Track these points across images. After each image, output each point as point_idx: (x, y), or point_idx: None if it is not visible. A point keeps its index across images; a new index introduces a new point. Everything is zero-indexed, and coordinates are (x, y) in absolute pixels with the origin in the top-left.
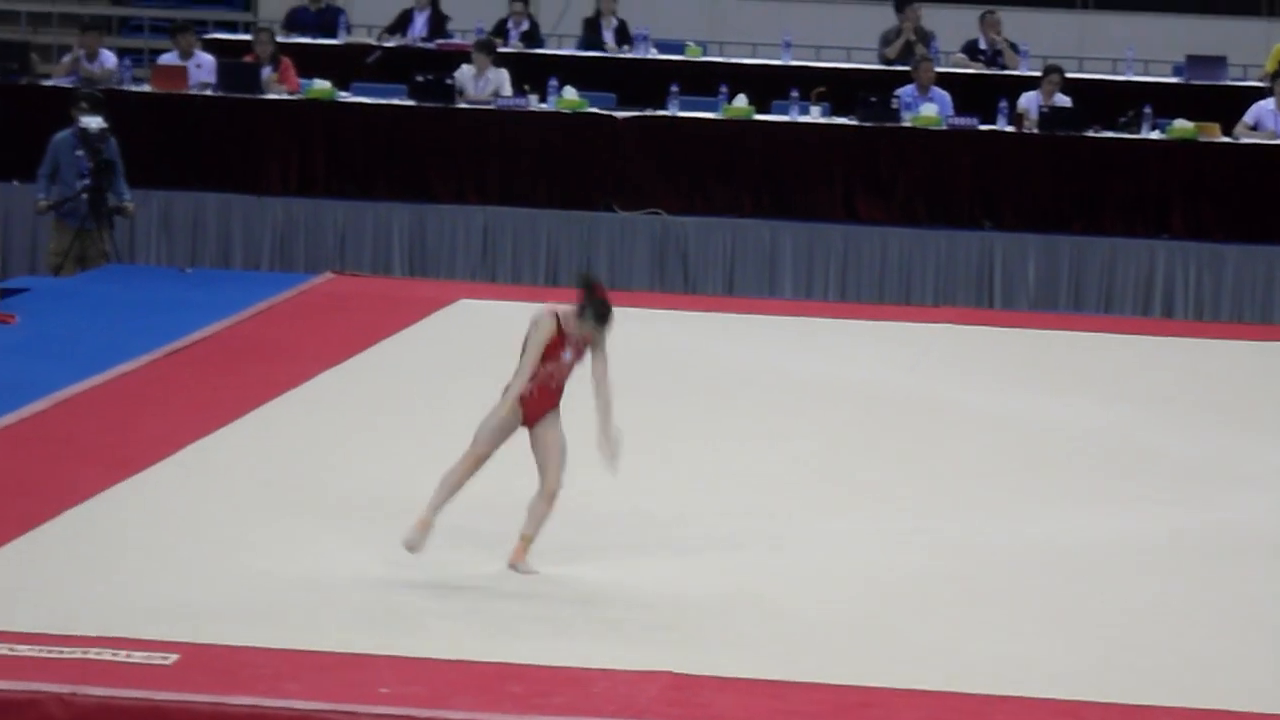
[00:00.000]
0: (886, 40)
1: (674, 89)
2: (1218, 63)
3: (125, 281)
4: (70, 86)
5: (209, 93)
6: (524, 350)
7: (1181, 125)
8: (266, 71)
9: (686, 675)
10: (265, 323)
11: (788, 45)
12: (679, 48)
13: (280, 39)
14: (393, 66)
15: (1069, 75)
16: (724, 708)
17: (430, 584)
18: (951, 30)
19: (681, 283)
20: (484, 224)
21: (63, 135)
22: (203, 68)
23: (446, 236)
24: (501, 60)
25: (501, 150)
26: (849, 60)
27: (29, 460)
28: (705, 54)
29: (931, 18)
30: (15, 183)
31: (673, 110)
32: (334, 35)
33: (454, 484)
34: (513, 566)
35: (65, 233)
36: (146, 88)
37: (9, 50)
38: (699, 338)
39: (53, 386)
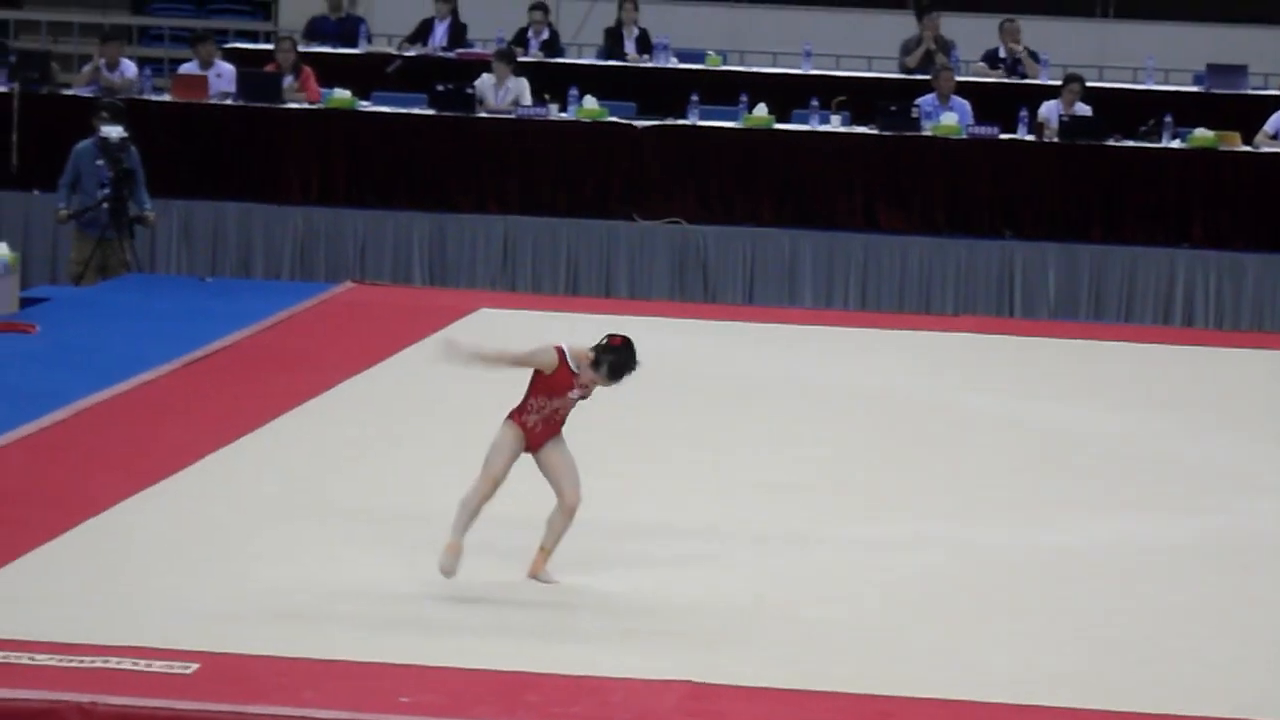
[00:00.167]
0: (907, 49)
1: (694, 98)
2: (1238, 71)
3: (146, 291)
4: (91, 96)
5: (229, 102)
6: (512, 350)
7: (1202, 134)
8: (288, 80)
9: (705, 684)
10: (285, 332)
11: (808, 54)
12: (699, 57)
13: (301, 48)
14: (413, 76)
15: (1089, 84)
16: (742, 717)
17: (449, 593)
18: (971, 39)
19: (701, 292)
20: (504, 233)
21: (84, 145)
22: (223, 77)
23: (467, 246)
24: (522, 69)
25: (521, 159)
26: (869, 69)
27: (49, 469)
28: (725, 63)
29: (951, 27)
30: (36, 192)
31: (693, 119)
32: (354, 45)
33: (474, 508)
34: (533, 577)
35: (86, 242)
36: (167, 97)
37: (30, 59)
38: (719, 346)
39: (73, 396)
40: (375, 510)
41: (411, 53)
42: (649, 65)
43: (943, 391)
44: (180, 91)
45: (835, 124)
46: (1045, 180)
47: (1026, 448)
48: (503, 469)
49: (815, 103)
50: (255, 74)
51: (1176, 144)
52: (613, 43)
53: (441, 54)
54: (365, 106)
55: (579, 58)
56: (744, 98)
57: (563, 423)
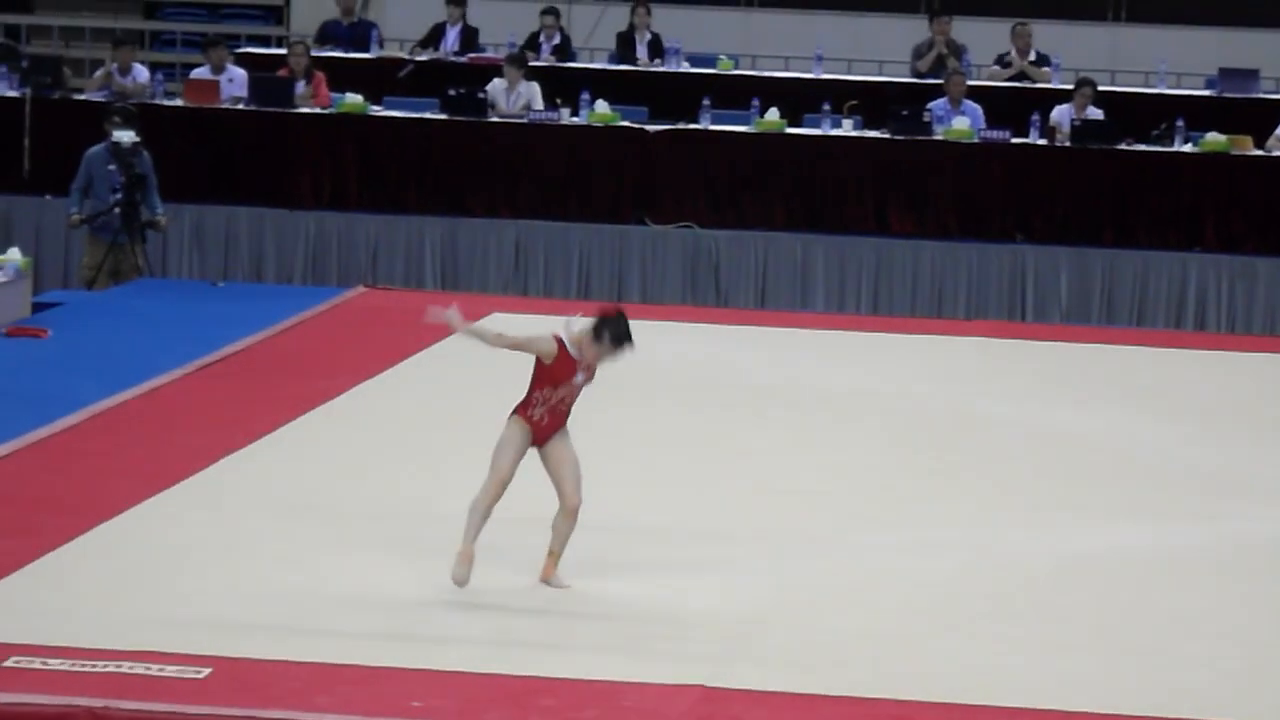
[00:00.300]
0: (918, 53)
1: (706, 102)
2: (1250, 75)
3: (157, 295)
4: (103, 101)
5: (241, 107)
6: (513, 335)
7: (1214, 138)
8: (300, 86)
9: (718, 689)
10: (298, 337)
11: (819, 59)
12: (711, 61)
13: (312, 53)
14: (425, 80)
15: (1101, 88)
16: None
17: (461, 598)
18: (983, 43)
19: (713, 296)
20: (516, 237)
21: (96, 149)
22: (235, 82)
23: (479, 250)
24: (533, 74)
25: (533, 164)
26: (881, 73)
27: (61, 474)
28: (737, 67)
29: (963, 31)
30: (48, 197)
31: (705, 123)
32: (366, 49)
33: (483, 511)
34: (544, 581)
35: (98, 246)
36: (179, 102)
37: (42, 64)
38: (731, 351)
39: (85, 400)
40: (388, 515)
41: (423, 57)
42: (661, 70)
43: (955, 396)
44: (192, 96)
45: (847, 128)
46: (1057, 184)
47: (1039, 452)
48: (510, 467)
49: (827, 107)
50: (267, 79)
51: (1188, 148)
52: (624, 47)
53: (453, 58)
54: (377, 111)
55: (591, 62)
56: (756, 102)
57: (568, 414)
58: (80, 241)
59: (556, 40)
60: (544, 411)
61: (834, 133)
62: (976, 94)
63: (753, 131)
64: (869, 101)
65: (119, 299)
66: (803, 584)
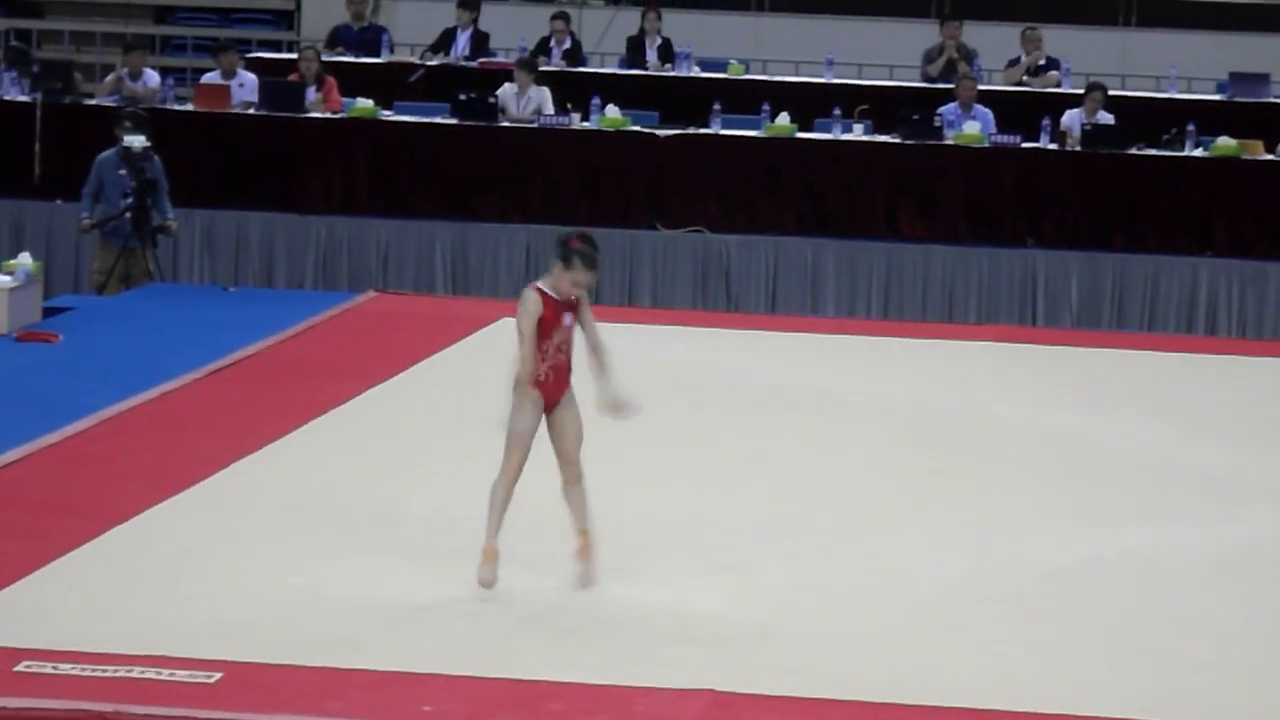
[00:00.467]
0: (929, 58)
1: (716, 107)
2: (1261, 80)
3: (168, 300)
4: (114, 105)
5: (252, 111)
6: (520, 335)
7: (1224, 142)
8: (311, 93)
9: (728, 693)
10: (308, 341)
11: (830, 63)
12: (722, 66)
13: (323, 58)
14: (435, 85)
15: (1112, 93)
16: None
17: (471, 602)
18: (994, 48)
19: (724, 300)
20: (526, 242)
21: (106, 154)
22: (245, 86)
23: (489, 255)
24: (544, 78)
25: (544, 169)
26: (891, 78)
27: (72, 479)
28: (748, 72)
29: (974, 35)
30: (59, 201)
31: (715, 128)
32: (376, 54)
33: (503, 499)
34: (581, 561)
35: (109, 251)
36: (189, 107)
37: (53, 69)
38: (741, 355)
39: (96, 405)
40: (398, 519)
41: (434, 62)
42: (671, 74)
43: (966, 400)
44: (203, 101)
45: (858, 133)
46: (1068, 189)
47: (1050, 456)
48: (524, 451)
49: (837, 111)
50: (278, 83)
51: (1199, 152)
52: (635, 52)
53: (463, 63)
54: (387, 116)
55: (601, 67)
56: (766, 107)
57: (569, 366)
58: (91, 246)
59: (567, 45)
60: (547, 369)
61: (844, 137)
62: (987, 99)
63: (763, 136)
64: (879, 106)
65: (130, 304)
66: (813, 587)
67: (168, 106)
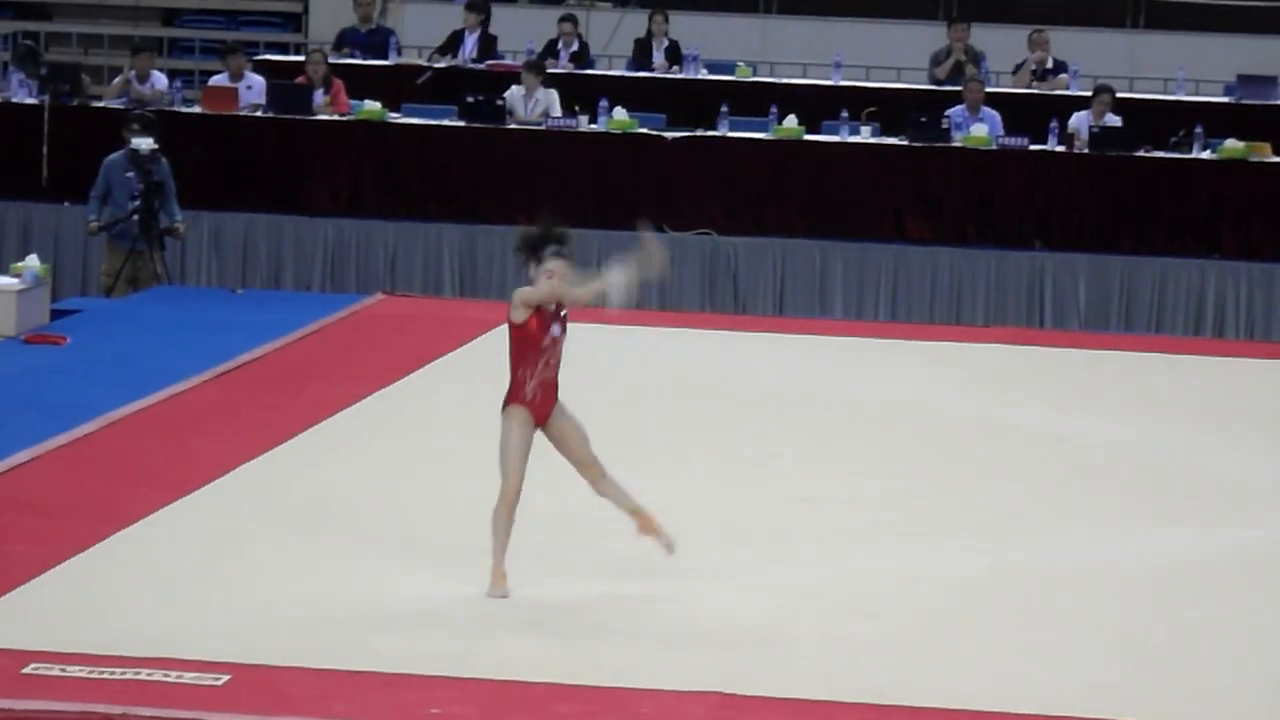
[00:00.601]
0: (936, 60)
1: (724, 109)
2: (1269, 82)
3: (176, 302)
4: (121, 108)
5: (260, 114)
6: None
7: (1232, 145)
8: (319, 95)
9: (735, 695)
10: (316, 344)
11: (838, 65)
12: (729, 68)
13: (330, 60)
14: (443, 87)
15: (1119, 95)
16: None
17: (479, 604)
18: (1002, 50)
19: (732, 303)
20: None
21: (114, 157)
22: (253, 89)
23: (497, 257)
24: (551, 81)
25: (551, 171)
26: (899, 80)
27: (80, 482)
28: (755, 74)
29: (982, 38)
30: (67, 204)
31: (723, 130)
32: (384, 56)
33: (505, 525)
34: (649, 535)
35: (117, 254)
36: (197, 109)
37: (60, 72)
38: (749, 358)
39: (104, 408)
40: (405, 521)
41: (441, 64)
42: (679, 76)
43: (974, 403)
44: (210, 103)
45: (865, 135)
46: (1075, 191)
47: (1059, 460)
48: (521, 465)
49: (845, 114)
50: (285, 86)
51: (1207, 155)
52: (642, 54)
53: (471, 65)
54: (395, 118)
55: (609, 69)
56: (774, 109)
57: (557, 381)
58: (99, 249)
59: (575, 47)
60: (535, 386)
61: (852, 139)
62: (994, 101)
63: (771, 138)
64: (887, 108)
65: (137, 306)
66: (821, 590)
67: (175, 109)
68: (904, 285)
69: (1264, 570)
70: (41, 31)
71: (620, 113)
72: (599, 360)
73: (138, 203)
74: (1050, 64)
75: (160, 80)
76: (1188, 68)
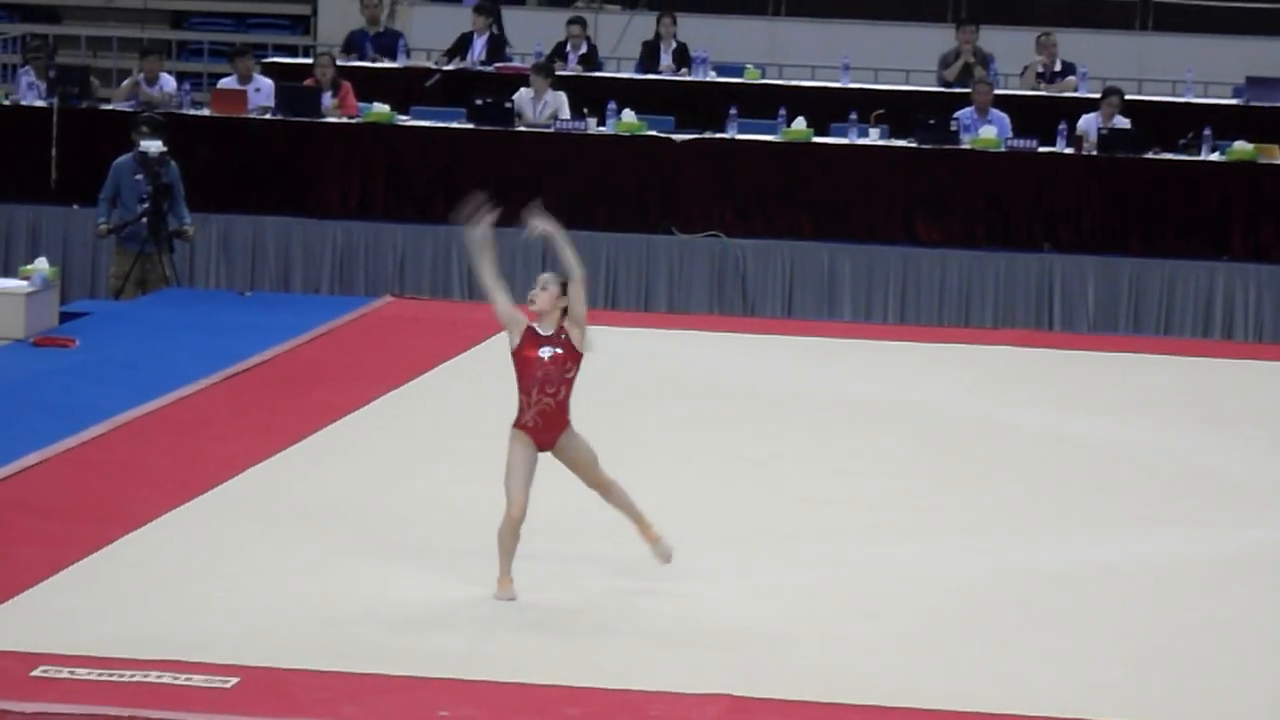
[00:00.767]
0: (945, 63)
1: (733, 111)
2: (1278, 84)
3: (185, 305)
4: (130, 110)
5: (268, 116)
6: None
7: (1241, 147)
8: (327, 98)
9: (746, 698)
10: (325, 346)
11: (846, 68)
12: (738, 70)
13: (339, 63)
14: (451, 90)
15: (1128, 97)
16: None
17: (488, 607)
18: (1010, 52)
19: (740, 305)
20: (543, 247)
21: (123, 159)
22: (262, 91)
23: (506, 259)
24: (560, 83)
25: (560, 173)
26: (907, 83)
27: (89, 484)
28: (764, 76)
29: (990, 40)
30: (75, 206)
31: (731, 133)
32: (393, 59)
33: (510, 543)
34: (652, 544)
35: (125, 256)
36: (206, 111)
37: (69, 74)
38: (758, 360)
39: (112, 410)
40: (413, 523)
41: (450, 67)
42: (687, 79)
43: (982, 405)
44: (219, 106)
45: (874, 137)
46: (1084, 193)
47: (1066, 462)
48: (523, 487)
49: (854, 116)
50: (294, 88)
51: (1215, 156)
52: (650, 56)
53: (480, 68)
54: (403, 120)
55: (617, 71)
56: (782, 111)
57: (564, 409)
58: (108, 251)
59: (583, 50)
60: (534, 415)
61: (861, 142)
62: (1003, 103)
63: (779, 141)
64: (896, 111)
65: (146, 309)
66: (829, 592)
67: (184, 111)
68: (913, 287)
69: (1265, 570)
70: (50, 34)
71: (629, 115)
72: (606, 361)
73: (146, 205)
74: (1058, 66)
75: (169, 83)
76: (1196, 70)
